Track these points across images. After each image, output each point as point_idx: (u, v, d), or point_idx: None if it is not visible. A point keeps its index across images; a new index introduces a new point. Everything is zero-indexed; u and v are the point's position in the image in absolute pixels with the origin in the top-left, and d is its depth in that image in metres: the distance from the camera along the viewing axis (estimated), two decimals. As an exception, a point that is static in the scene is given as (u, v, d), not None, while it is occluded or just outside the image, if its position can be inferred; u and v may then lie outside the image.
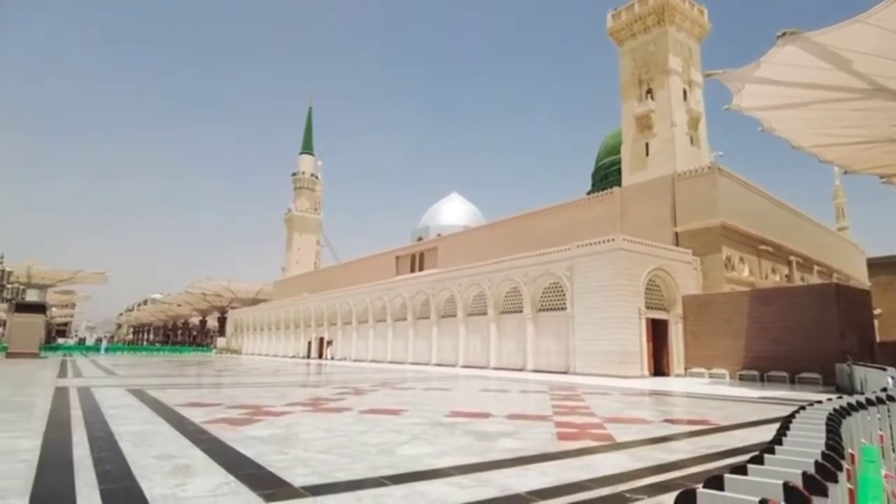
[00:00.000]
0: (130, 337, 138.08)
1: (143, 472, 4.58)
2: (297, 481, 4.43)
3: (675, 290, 25.12)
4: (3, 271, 36.25)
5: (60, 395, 11.43)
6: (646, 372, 22.92)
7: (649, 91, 37.47)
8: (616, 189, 33.43)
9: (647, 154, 36.75)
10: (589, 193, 42.72)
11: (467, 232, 45.90)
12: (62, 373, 19.44)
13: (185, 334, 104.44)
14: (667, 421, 9.06)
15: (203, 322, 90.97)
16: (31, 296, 51.99)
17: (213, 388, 14.82)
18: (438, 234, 51.85)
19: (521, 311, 27.95)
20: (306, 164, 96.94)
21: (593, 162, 57.57)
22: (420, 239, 55.72)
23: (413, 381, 19.01)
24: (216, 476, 4.57)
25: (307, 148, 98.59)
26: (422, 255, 47.67)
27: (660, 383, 19.23)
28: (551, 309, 26.67)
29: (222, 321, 78.21)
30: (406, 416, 8.95)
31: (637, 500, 4.08)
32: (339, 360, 42.74)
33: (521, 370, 26.60)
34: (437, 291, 34.60)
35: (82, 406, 9.55)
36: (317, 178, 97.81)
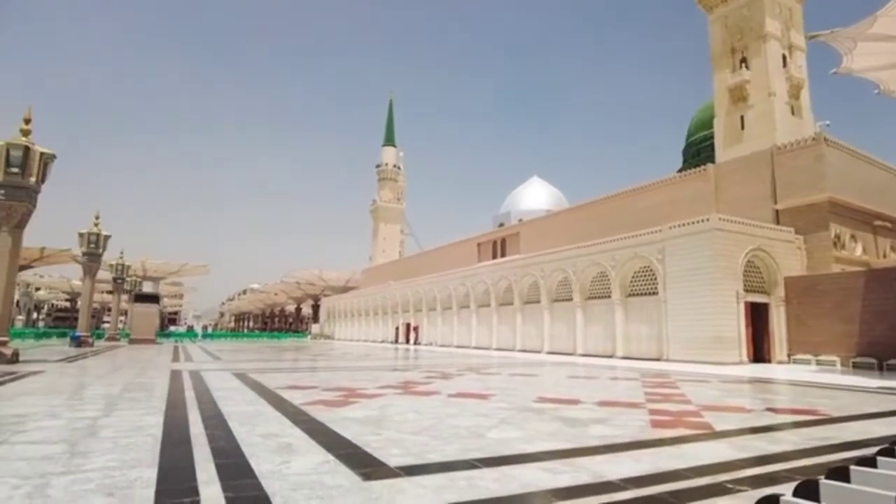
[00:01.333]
0: (232, 324, 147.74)
1: (251, 450, 4.90)
2: (392, 461, 4.58)
3: (777, 272, 23.51)
4: (122, 266, 39.84)
5: (175, 377, 12.44)
6: (744, 358, 21.71)
7: (743, 60, 34.94)
8: (709, 166, 31.63)
9: (743, 127, 34.38)
10: (680, 171, 40.66)
11: (550, 216, 45.13)
12: (175, 357, 21.16)
13: (281, 321, 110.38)
14: (769, 410, 8.54)
15: (298, 309, 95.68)
16: (147, 288, 56.94)
17: (309, 372, 15.58)
18: (520, 220, 51.38)
19: (609, 297, 27.22)
20: (389, 155, 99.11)
21: (683, 138, 54.69)
22: (501, 225, 55.52)
23: (498, 366, 19.06)
24: (316, 455, 4.82)
25: (389, 140, 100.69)
26: (503, 240, 47.49)
27: (760, 370, 18.13)
28: (641, 294, 25.79)
29: (316, 308, 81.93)
30: (493, 400, 9.00)
31: (740, 491, 3.89)
32: (425, 345, 43.61)
33: (609, 357, 25.98)
34: (520, 277, 34.38)
35: (194, 388, 10.35)
36: (399, 168, 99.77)
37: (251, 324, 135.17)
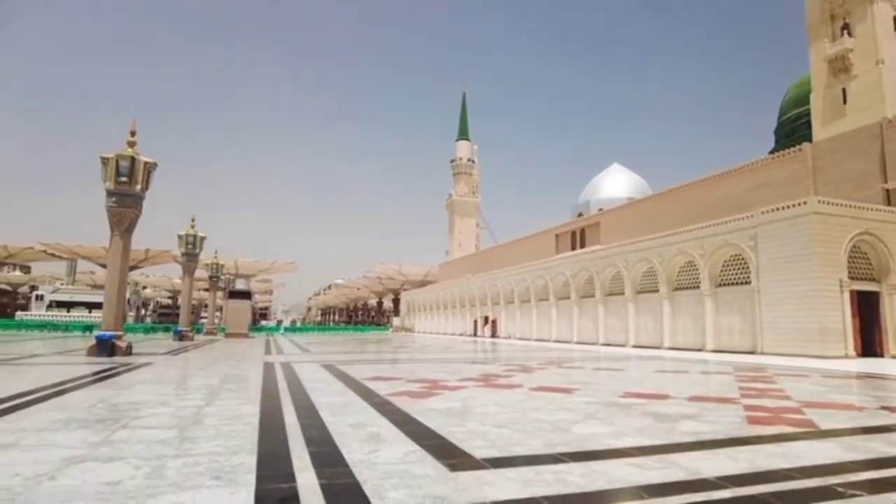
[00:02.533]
0: (319, 318, 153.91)
1: (342, 440, 5.10)
2: (477, 453, 4.62)
3: (888, 258, 21.57)
4: (217, 265, 42.47)
5: (268, 369, 13.14)
6: (851, 352, 20.12)
7: (845, 27, 32.11)
8: (806, 145, 29.42)
9: (845, 101, 31.64)
10: (772, 153, 38.08)
11: (632, 204, 43.61)
12: (267, 350, 22.32)
13: (364, 315, 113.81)
14: (884, 408, 7.86)
15: (380, 303, 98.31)
16: (240, 284, 60.30)
17: (392, 364, 15.97)
18: (600, 209, 50.07)
19: (698, 287, 26.03)
20: (463, 149, 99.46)
21: (775, 117, 51.16)
22: (580, 215, 54.32)
23: (580, 360, 18.72)
24: (403, 445, 4.94)
25: (463, 134, 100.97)
26: (583, 231, 46.46)
27: (871, 365, 16.72)
28: (733, 283, 24.47)
29: (396, 302, 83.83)
30: (578, 394, 8.86)
31: (855, 495, 3.61)
32: (504, 338, 43.52)
33: (699, 350, 24.88)
34: (602, 269, 33.54)
35: (286, 379, 10.89)
36: (473, 162, 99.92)
37: (336, 317, 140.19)
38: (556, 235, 49.27)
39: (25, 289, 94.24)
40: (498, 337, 45.50)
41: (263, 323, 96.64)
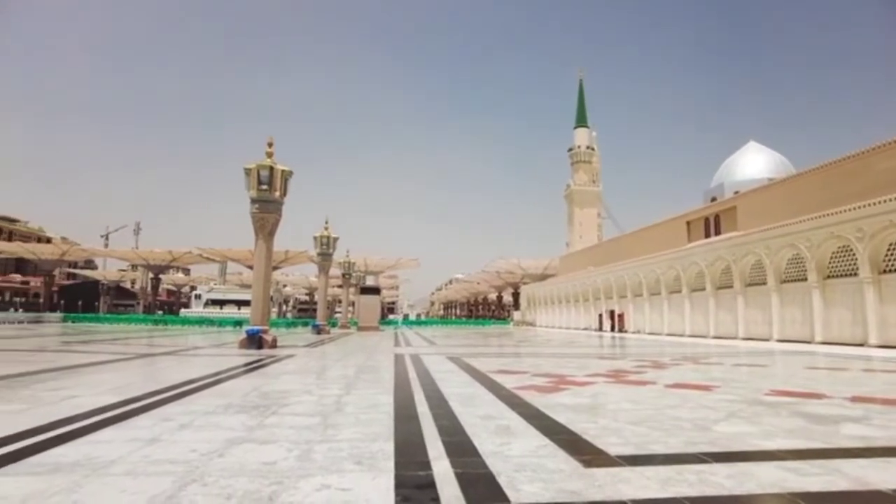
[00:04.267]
0: (441, 312, 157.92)
1: (473, 430, 5.20)
2: (612, 450, 4.49)
3: None
4: (349, 263, 45.08)
5: (399, 360, 13.72)
6: None
7: None
8: None
9: None
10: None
11: (773, 185, 39.73)
12: (396, 342, 23.31)
13: (485, 309, 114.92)
14: None
15: (499, 297, 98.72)
16: (369, 281, 63.52)
17: (516, 358, 15.98)
18: (735, 192, 46.27)
19: (856, 275, 23.22)
20: (581, 137, 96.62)
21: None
22: (713, 199, 50.61)
23: (718, 355, 17.48)
24: (534, 438, 4.93)
25: (581, 121, 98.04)
26: (717, 217, 43.24)
27: None
28: (901, 269, 21.55)
29: (516, 296, 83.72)
30: (718, 392, 8.29)
31: None
32: (632, 333, 41.79)
33: (859, 345, 22.21)
34: (740, 257, 31.05)
35: (416, 370, 11.30)
36: (593, 150, 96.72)
37: (458, 311, 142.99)
38: (688, 222, 46.27)
39: (186, 289, 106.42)
40: (625, 331, 43.77)
41: (391, 317, 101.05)
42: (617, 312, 46.40)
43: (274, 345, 18.17)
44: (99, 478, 3.59)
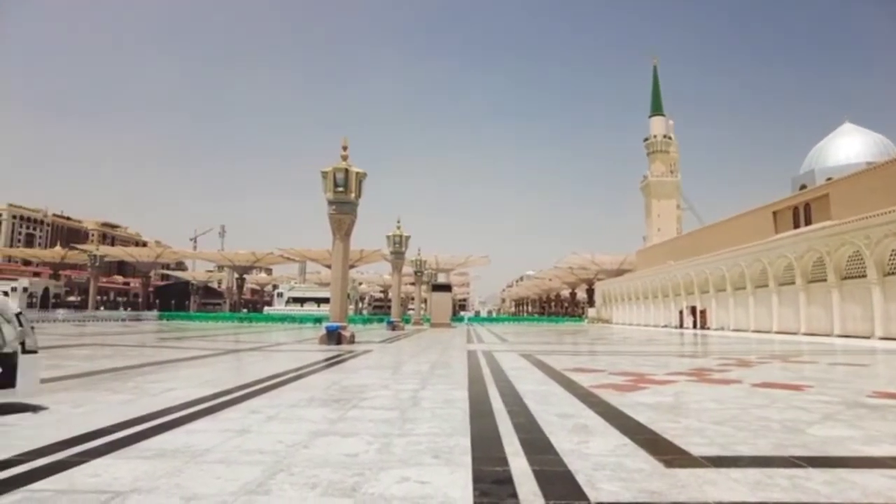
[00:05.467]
0: (513, 309, 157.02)
1: (549, 428, 5.16)
2: (695, 450, 4.34)
3: None
4: (421, 261, 45.77)
5: (471, 357, 13.80)
6: None
7: None
8: None
9: None
10: None
11: (873, 169, 36.59)
12: (469, 339, 23.43)
13: (557, 306, 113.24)
14: None
15: (573, 294, 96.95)
16: (440, 278, 64.17)
17: (591, 356, 15.67)
18: (828, 178, 43.17)
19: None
20: (657, 126, 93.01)
21: None
22: (803, 187, 47.43)
23: (811, 353, 16.40)
24: (613, 438, 4.84)
25: (656, 109, 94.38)
26: (807, 205, 40.49)
27: None
28: None
29: (590, 292, 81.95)
30: (811, 392, 7.79)
31: None
32: (715, 329, 39.91)
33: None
34: (835, 248, 28.95)
35: (489, 366, 11.34)
36: (670, 139, 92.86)
37: (529, 308, 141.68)
38: (774, 213, 43.59)
39: (269, 288, 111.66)
40: (708, 328, 41.85)
41: (462, 314, 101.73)
42: (698, 309, 44.43)
43: (352, 340, 18.73)
44: (197, 464, 3.86)
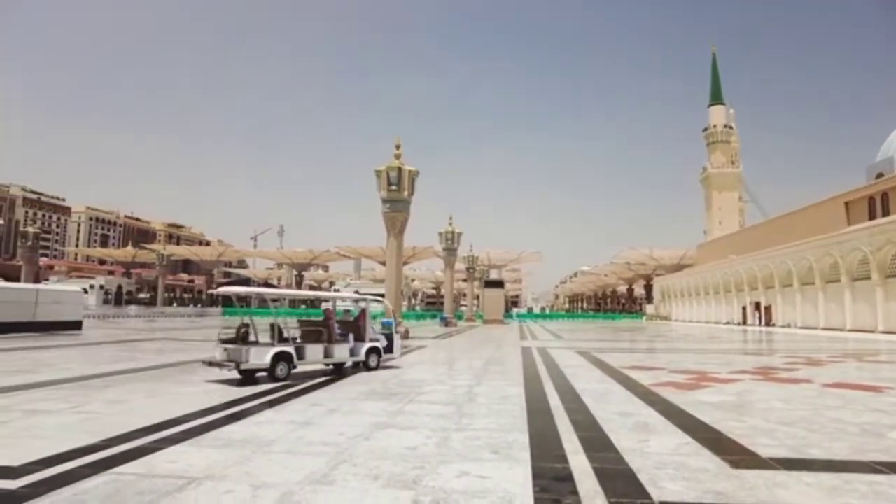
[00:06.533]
0: (567, 306, 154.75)
1: (608, 426, 5.09)
2: (763, 452, 4.18)
3: None
4: (473, 257, 45.79)
5: (526, 353, 13.72)
6: None
7: None
8: None
9: None
10: None
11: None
12: (522, 336, 23.29)
13: (613, 302, 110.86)
14: None
15: (630, 290, 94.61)
16: (493, 275, 63.98)
17: (650, 353, 15.29)
18: (909, 167, 40.37)
19: None
20: (717, 115, 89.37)
21: None
22: (879, 176, 44.54)
23: (890, 353, 15.46)
24: (675, 436, 4.72)
25: (716, 98, 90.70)
26: (884, 195, 38.02)
27: None
28: None
29: (648, 288, 79.84)
30: (892, 394, 7.35)
31: None
32: (781, 326, 38.14)
33: None
34: (916, 240, 27.07)
35: (544, 363, 11.25)
36: (731, 128, 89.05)
37: (584, 305, 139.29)
38: (847, 203, 41.12)
39: (326, 284, 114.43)
40: (773, 325, 40.02)
41: (515, 311, 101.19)
42: (763, 305, 42.51)
43: (406, 336, 18.96)
44: (264, 454, 4.02)
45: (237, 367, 7.62)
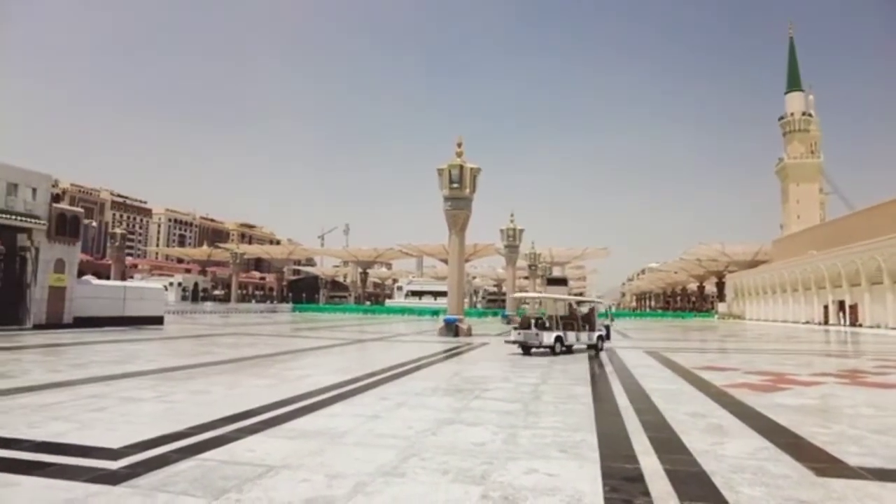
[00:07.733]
0: (634, 304, 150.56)
1: (680, 427, 4.95)
2: (851, 460, 3.95)
3: None
4: (535, 254, 45.40)
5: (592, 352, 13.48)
6: None
7: None
8: None
9: None
10: None
11: None
12: (587, 334, 22.86)
13: (683, 300, 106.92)
14: None
15: (701, 287, 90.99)
16: (556, 272, 63.14)
17: (722, 353, 14.69)
18: None
19: None
20: (795, 102, 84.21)
21: None
22: (984, 164, 40.71)
23: None
24: (751, 440, 4.54)
25: (794, 84, 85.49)
26: None
27: None
28: None
29: (720, 286, 76.51)
30: None
31: None
32: (869, 327, 35.65)
33: None
34: None
35: (611, 363, 11.03)
36: (810, 116, 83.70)
37: (652, 303, 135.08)
38: (944, 195, 37.94)
39: (389, 282, 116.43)
40: (860, 326, 37.46)
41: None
42: (848, 303, 39.83)
43: (469, 333, 19.05)
44: (336, 446, 4.17)
45: (523, 344, 12.21)
